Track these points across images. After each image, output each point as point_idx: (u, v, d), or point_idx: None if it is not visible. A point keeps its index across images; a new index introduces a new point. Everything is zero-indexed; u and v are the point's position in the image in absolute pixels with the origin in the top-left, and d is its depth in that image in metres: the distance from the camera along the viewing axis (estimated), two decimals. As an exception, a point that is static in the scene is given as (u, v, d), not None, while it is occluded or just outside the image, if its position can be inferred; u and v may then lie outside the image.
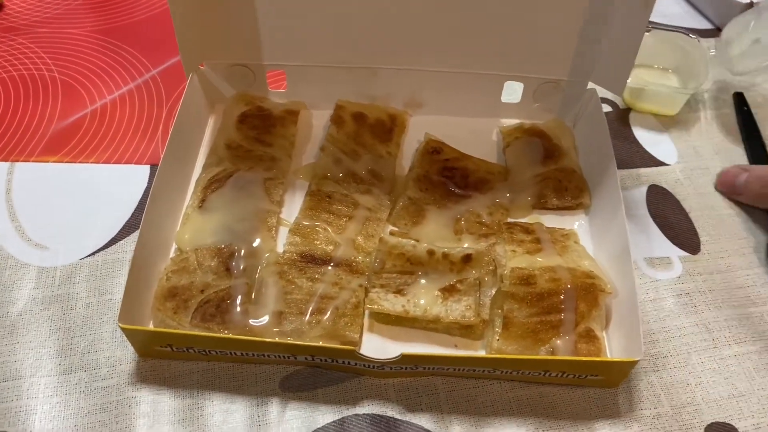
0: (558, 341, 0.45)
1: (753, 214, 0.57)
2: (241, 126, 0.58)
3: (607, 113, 0.64)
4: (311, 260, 0.50)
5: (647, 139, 0.63)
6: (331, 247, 0.51)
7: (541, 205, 0.55)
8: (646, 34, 0.65)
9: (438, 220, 0.54)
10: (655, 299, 0.51)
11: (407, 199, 0.55)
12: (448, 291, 0.48)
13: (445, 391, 0.46)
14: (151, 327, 0.47)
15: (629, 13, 0.50)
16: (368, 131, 0.59)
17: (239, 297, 0.47)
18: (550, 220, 0.55)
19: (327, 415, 0.45)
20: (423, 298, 0.47)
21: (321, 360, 0.45)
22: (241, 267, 0.49)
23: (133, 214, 0.55)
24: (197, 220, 0.52)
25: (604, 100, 0.65)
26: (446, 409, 0.45)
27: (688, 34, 0.65)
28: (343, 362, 0.45)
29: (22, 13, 0.73)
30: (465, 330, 0.47)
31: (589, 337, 0.46)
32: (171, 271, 0.49)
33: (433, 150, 0.57)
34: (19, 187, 0.57)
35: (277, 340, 0.45)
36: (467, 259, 0.49)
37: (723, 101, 0.66)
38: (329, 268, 0.49)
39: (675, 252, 0.54)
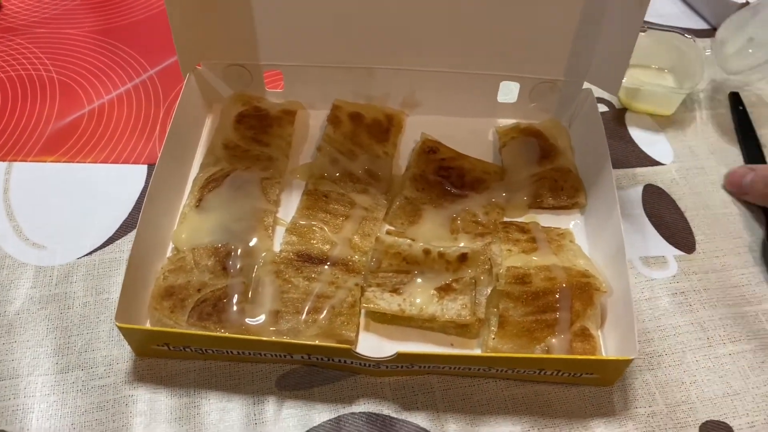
0: (553, 340, 0.46)
1: (748, 213, 0.57)
2: (239, 126, 0.58)
3: (603, 113, 0.65)
4: (308, 259, 0.50)
5: (643, 138, 0.63)
6: (327, 247, 0.51)
7: (537, 204, 0.55)
8: (642, 34, 0.65)
9: (434, 220, 0.54)
10: (651, 298, 0.51)
11: (404, 198, 0.55)
12: (444, 290, 0.48)
13: (441, 389, 0.46)
14: (147, 326, 0.47)
15: (624, 14, 0.51)
16: (365, 131, 0.59)
17: (236, 296, 0.48)
18: (545, 220, 0.55)
19: (323, 414, 0.45)
20: (419, 297, 0.48)
21: (317, 359, 0.45)
22: (238, 266, 0.49)
23: (130, 213, 0.55)
24: (194, 220, 0.52)
25: (601, 100, 0.65)
26: (442, 407, 0.45)
27: (683, 34, 0.65)
28: (339, 361, 0.45)
29: (20, 13, 0.73)
30: (461, 329, 0.48)
31: (585, 335, 0.46)
32: (168, 270, 0.49)
33: (429, 150, 0.57)
34: (17, 187, 0.57)
35: (273, 339, 0.45)
36: (463, 258, 0.49)
37: (719, 101, 0.67)
38: (326, 267, 0.50)
39: (670, 251, 0.54)
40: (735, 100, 0.66)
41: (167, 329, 0.45)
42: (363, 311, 0.49)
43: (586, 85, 0.58)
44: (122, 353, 0.47)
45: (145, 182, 0.58)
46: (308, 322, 0.47)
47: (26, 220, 0.55)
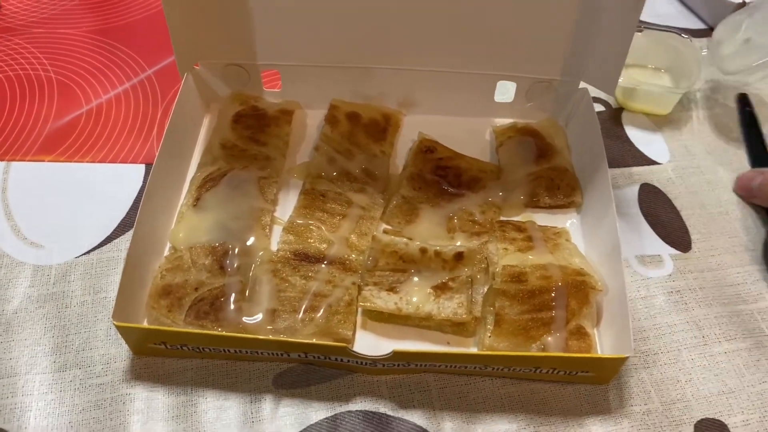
0: (549, 338, 0.46)
1: (744, 212, 0.57)
2: (236, 125, 0.58)
3: (600, 113, 0.65)
4: (305, 258, 0.50)
5: (640, 138, 0.63)
6: (324, 246, 0.51)
7: (533, 203, 0.56)
8: (639, 34, 0.65)
9: (431, 219, 0.54)
10: (646, 297, 0.51)
11: (401, 197, 0.55)
12: (441, 289, 0.48)
13: (437, 387, 0.46)
14: (145, 324, 0.47)
15: (620, 13, 0.51)
16: (362, 130, 0.59)
17: (233, 295, 0.48)
18: (542, 219, 0.55)
19: (320, 412, 0.45)
20: (415, 295, 0.48)
21: (314, 357, 0.45)
22: (235, 265, 0.49)
23: (128, 212, 0.55)
24: (192, 219, 0.52)
25: (598, 100, 0.66)
26: (438, 405, 0.45)
27: (680, 34, 0.65)
28: (336, 359, 0.45)
29: (18, 13, 0.73)
30: (457, 327, 0.48)
31: (580, 334, 0.46)
32: (165, 269, 0.49)
33: (426, 149, 0.58)
34: (15, 186, 0.57)
35: (270, 337, 0.45)
36: (459, 257, 0.49)
37: (715, 101, 0.67)
38: (323, 266, 0.50)
39: (666, 250, 0.54)
40: (743, 101, 0.65)
41: (164, 328, 0.45)
42: (360, 310, 0.49)
43: (582, 84, 0.58)
44: (120, 352, 0.47)
45: (143, 182, 0.58)
46: (305, 321, 0.47)
47: (24, 219, 0.55)
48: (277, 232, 0.53)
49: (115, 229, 0.54)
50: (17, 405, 0.45)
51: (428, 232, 0.53)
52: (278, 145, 0.58)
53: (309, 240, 0.52)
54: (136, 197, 0.57)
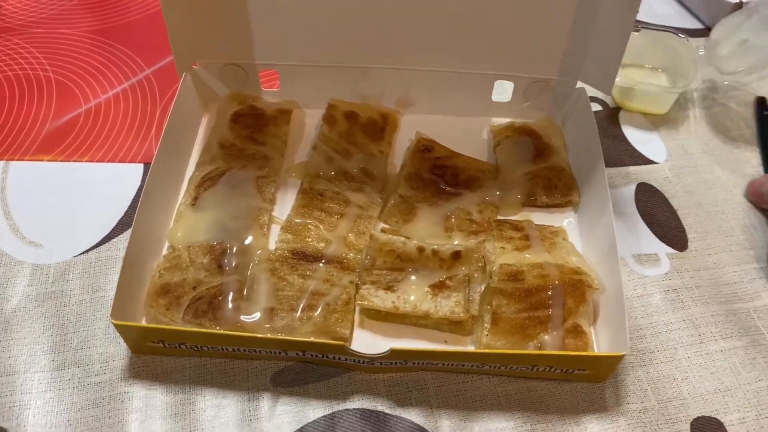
0: (546, 336, 0.46)
1: (741, 212, 0.57)
2: (234, 125, 0.59)
3: (597, 112, 0.65)
4: (303, 257, 0.50)
5: (637, 137, 0.63)
6: (322, 245, 0.51)
7: (530, 202, 0.56)
8: (636, 33, 0.65)
9: (429, 218, 0.54)
10: (643, 295, 0.52)
11: (398, 196, 0.55)
12: (438, 287, 0.48)
13: (435, 386, 0.46)
14: (143, 323, 0.47)
15: (617, 13, 0.51)
16: (360, 130, 0.59)
17: (231, 294, 0.48)
18: (539, 218, 0.55)
19: (317, 410, 0.45)
20: (413, 294, 0.48)
21: (312, 355, 0.46)
22: (233, 264, 0.49)
23: (126, 212, 0.55)
24: (190, 218, 0.52)
25: (595, 99, 0.66)
26: (435, 403, 0.46)
27: (677, 34, 0.65)
28: (334, 358, 0.45)
29: (17, 13, 0.73)
30: (454, 326, 0.48)
31: (577, 332, 0.46)
32: (164, 268, 0.49)
33: (424, 148, 0.58)
34: (14, 186, 0.57)
35: (268, 336, 0.45)
36: (457, 255, 0.49)
37: (712, 100, 0.67)
38: (320, 265, 0.50)
39: (663, 249, 0.55)
40: (761, 104, 0.65)
41: (163, 326, 0.45)
42: (357, 308, 0.49)
43: (579, 84, 0.59)
44: (118, 350, 0.47)
45: (141, 181, 0.58)
46: (303, 320, 0.47)
47: (23, 218, 0.55)
48: (275, 231, 0.53)
49: (113, 229, 0.54)
50: (16, 403, 0.45)
51: (426, 231, 0.53)
52: (276, 145, 0.58)
53: (307, 239, 0.52)
54: (135, 196, 0.57)
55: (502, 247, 0.51)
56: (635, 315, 0.51)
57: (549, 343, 0.46)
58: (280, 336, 0.46)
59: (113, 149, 0.60)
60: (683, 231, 0.56)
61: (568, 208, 0.56)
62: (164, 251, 0.51)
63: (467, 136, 0.61)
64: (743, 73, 0.63)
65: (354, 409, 0.45)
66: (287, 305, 0.48)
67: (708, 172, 0.60)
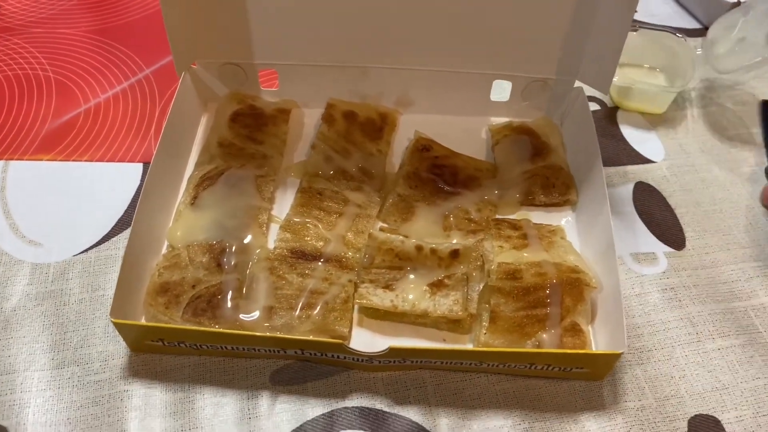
0: (544, 335, 0.46)
1: (739, 211, 0.58)
2: (233, 124, 0.59)
3: (595, 111, 0.65)
4: (301, 256, 0.50)
5: (634, 136, 0.64)
6: (321, 243, 0.51)
7: (528, 201, 0.56)
8: (634, 33, 0.66)
9: (427, 217, 0.54)
10: (641, 294, 0.52)
11: (397, 195, 0.55)
12: (436, 286, 0.48)
13: (433, 384, 0.47)
14: (143, 322, 0.47)
15: (614, 13, 0.51)
16: (359, 129, 0.59)
17: (230, 292, 0.48)
18: (537, 217, 0.55)
19: (316, 408, 0.45)
20: (411, 293, 0.48)
21: (310, 354, 0.46)
22: (233, 263, 0.50)
23: (125, 211, 0.56)
24: (189, 217, 0.52)
25: (593, 99, 0.66)
26: (434, 401, 0.46)
27: (675, 34, 0.66)
28: (333, 356, 0.45)
29: (17, 13, 0.74)
30: (453, 324, 0.48)
31: (575, 330, 0.46)
32: (163, 267, 0.49)
33: (422, 148, 0.58)
34: (14, 185, 0.57)
35: (267, 334, 0.46)
36: (455, 254, 0.50)
37: (710, 99, 0.67)
38: (319, 263, 0.50)
39: (660, 248, 0.55)
40: (765, 108, 0.65)
41: (162, 325, 0.45)
42: (356, 307, 0.49)
43: (577, 83, 0.59)
44: (117, 349, 0.48)
45: (141, 180, 0.58)
46: (302, 318, 0.47)
47: (23, 218, 0.55)
48: (274, 230, 0.53)
49: (113, 228, 0.55)
50: (16, 402, 0.45)
51: (424, 230, 0.54)
52: (275, 144, 0.58)
53: (306, 238, 0.52)
54: (134, 196, 0.57)
55: (501, 246, 0.51)
56: (633, 313, 0.51)
57: (547, 341, 0.46)
58: (279, 334, 0.46)
59: (113, 149, 0.60)
60: (681, 230, 0.56)
61: (566, 207, 0.56)
62: (163, 250, 0.52)
63: (466, 135, 0.61)
64: (740, 72, 0.63)
65: (353, 407, 0.45)
66: (286, 304, 0.48)
67: (706, 171, 0.61)
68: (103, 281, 0.51)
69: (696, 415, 0.46)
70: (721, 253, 0.55)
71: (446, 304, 0.47)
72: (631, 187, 0.59)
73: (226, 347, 0.46)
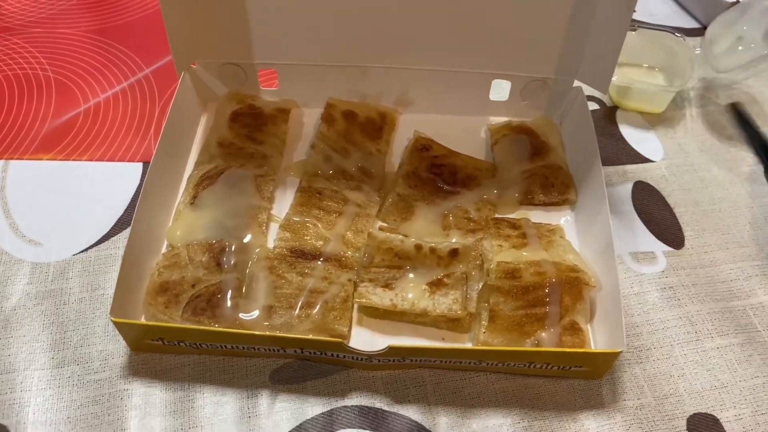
0: (543, 334, 0.46)
1: (737, 210, 0.58)
2: (233, 124, 0.59)
3: (594, 111, 0.65)
4: (301, 255, 0.51)
5: (633, 136, 0.64)
6: (320, 243, 0.52)
7: (528, 201, 0.56)
8: (633, 33, 0.66)
9: (426, 216, 0.54)
10: (640, 293, 0.52)
11: (396, 195, 0.55)
12: (436, 285, 0.48)
13: (433, 383, 0.47)
14: (142, 321, 0.47)
15: (613, 12, 0.51)
16: (358, 129, 0.59)
17: (230, 291, 0.48)
18: (537, 216, 0.55)
19: (316, 407, 0.45)
20: (411, 292, 0.48)
21: (310, 353, 0.46)
22: (232, 262, 0.50)
23: (125, 210, 0.56)
24: (189, 217, 0.52)
25: (592, 99, 0.66)
26: (433, 400, 0.46)
27: (674, 33, 0.66)
28: (332, 355, 0.45)
29: (17, 13, 0.74)
30: (452, 323, 0.48)
31: (574, 329, 0.47)
32: (162, 266, 0.49)
33: (422, 147, 0.58)
34: (13, 185, 0.58)
35: (266, 333, 0.46)
36: (454, 253, 0.50)
37: (709, 99, 0.67)
38: (319, 262, 0.50)
39: (659, 247, 0.55)
40: (736, 110, 0.65)
41: (162, 324, 0.45)
42: (355, 306, 0.49)
43: (576, 83, 0.59)
44: (117, 348, 0.48)
45: (140, 180, 0.58)
46: (301, 317, 0.47)
47: (22, 217, 0.55)
48: (274, 229, 0.53)
49: (112, 227, 0.55)
50: (16, 401, 0.45)
51: (424, 229, 0.54)
52: (275, 144, 0.58)
53: (305, 237, 0.52)
54: (134, 195, 0.57)
55: (500, 245, 0.51)
56: (632, 312, 0.51)
57: (546, 340, 0.46)
58: (278, 333, 0.46)
59: (112, 148, 0.61)
60: (680, 229, 0.56)
61: (565, 207, 0.56)
62: (163, 249, 0.52)
63: (465, 134, 0.61)
64: (739, 71, 0.63)
65: (352, 406, 0.45)
66: (286, 303, 0.48)
67: (704, 171, 0.61)
68: (102, 280, 0.51)
69: (695, 414, 0.46)
70: (719, 252, 0.55)
71: (445, 303, 0.47)
72: (630, 186, 0.59)
73: (225, 346, 0.46)
